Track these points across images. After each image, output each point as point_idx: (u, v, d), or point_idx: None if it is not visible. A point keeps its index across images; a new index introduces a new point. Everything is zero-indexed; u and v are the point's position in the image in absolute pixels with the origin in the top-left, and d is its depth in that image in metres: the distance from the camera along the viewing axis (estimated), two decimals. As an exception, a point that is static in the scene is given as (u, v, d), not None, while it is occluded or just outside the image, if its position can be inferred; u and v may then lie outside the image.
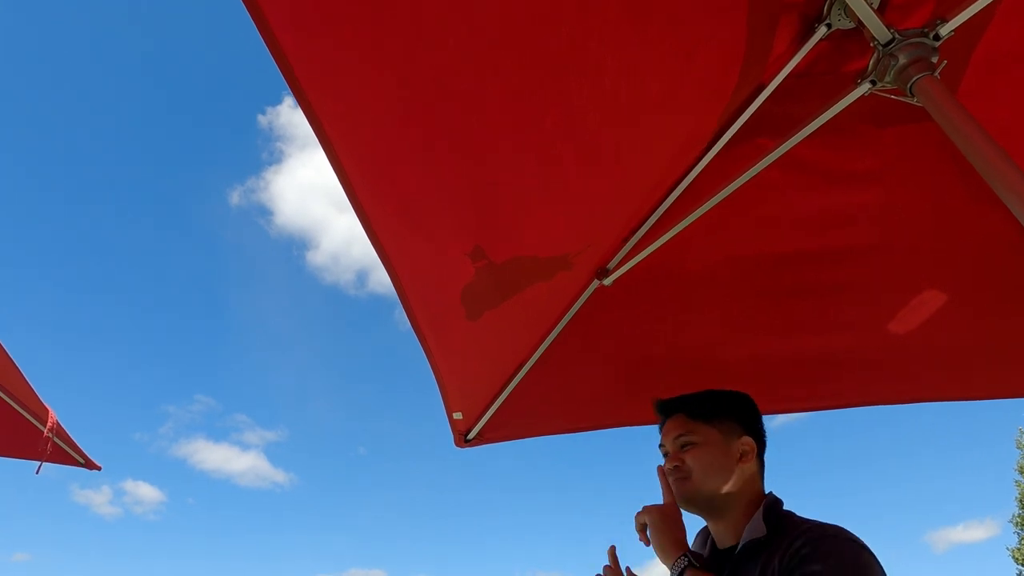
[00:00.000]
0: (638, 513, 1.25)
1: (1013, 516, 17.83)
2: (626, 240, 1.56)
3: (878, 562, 0.95)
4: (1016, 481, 18.15)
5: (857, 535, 0.99)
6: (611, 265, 1.60)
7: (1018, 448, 18.57)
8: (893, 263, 1.51)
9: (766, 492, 1.16)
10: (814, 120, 1.23)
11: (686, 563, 1.09)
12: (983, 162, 0.89)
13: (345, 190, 1.01)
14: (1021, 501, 17.72)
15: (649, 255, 1.53)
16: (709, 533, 1.21)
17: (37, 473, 2.20)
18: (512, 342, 1.74)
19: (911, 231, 1.45)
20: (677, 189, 1.45)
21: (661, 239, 1.48)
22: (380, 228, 1.08)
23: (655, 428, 1.33)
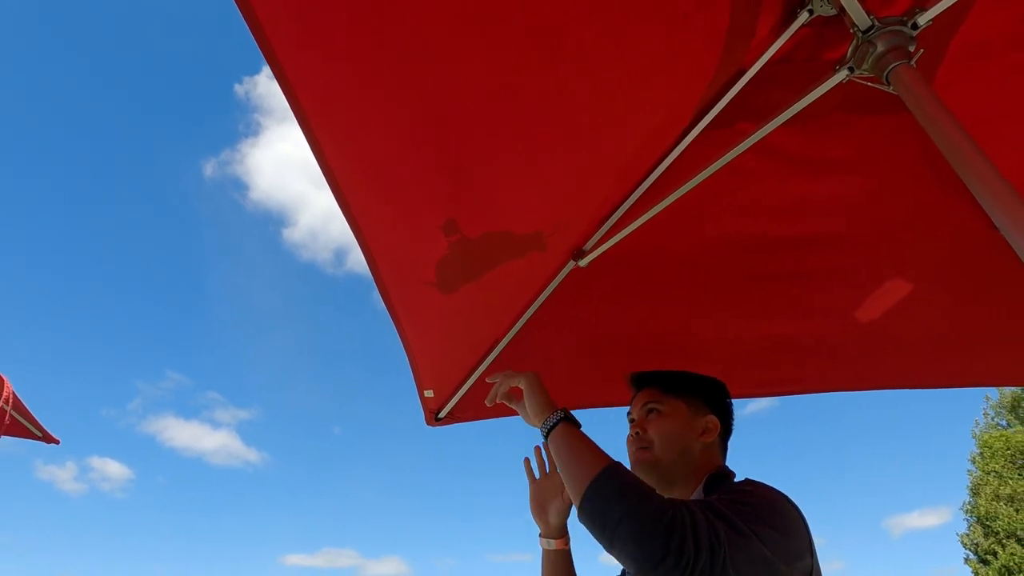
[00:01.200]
0: (502, 377, 1.21)
1: (964, 504, 18.54)
2: (603, 222, 1.56)
3: (797, 510, 0.94)
4: (968, 471, 18.87)
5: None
6: (587, 247, 1.60)
7: (973, 438, 19.29)
8: (865, 251, 1.54)
9: None
10: (792, 106, 1.24)
11: (562, 415, 1.07)
12: (954, 151, 0.90)
13: (317, 159, 0.99)
14: (972, 490, 18.42)
15: (625, 237, 1.53)
16: None
17: (-8, 445, 2.12)
18: (486, 321, 1.73)
19: (884, 220, 1.47)
20: (655, 172, 1.45)
21: (637, 221, 1.48)
22: (352, 197, 1.05)
23: (626, 410, 1.33)
